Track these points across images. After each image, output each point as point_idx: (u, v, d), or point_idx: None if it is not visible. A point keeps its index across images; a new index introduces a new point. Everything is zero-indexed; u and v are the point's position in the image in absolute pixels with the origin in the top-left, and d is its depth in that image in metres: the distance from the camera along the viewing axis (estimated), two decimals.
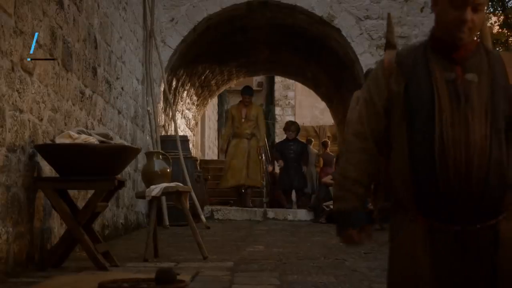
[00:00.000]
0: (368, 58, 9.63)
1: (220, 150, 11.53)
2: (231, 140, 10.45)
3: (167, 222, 7.54)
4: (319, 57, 11.98)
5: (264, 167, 12.88)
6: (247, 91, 10.59)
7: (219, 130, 22.54)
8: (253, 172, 10.12)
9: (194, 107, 13.99)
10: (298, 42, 11.61)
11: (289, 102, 21.74)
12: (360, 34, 9.64)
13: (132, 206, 7.59)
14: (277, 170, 12.69)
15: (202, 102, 14.60)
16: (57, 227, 4.70)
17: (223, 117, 22.29)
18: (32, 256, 4.14)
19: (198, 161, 10.82)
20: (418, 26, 9.52)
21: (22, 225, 3.98)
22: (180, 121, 11.98)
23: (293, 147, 11.43)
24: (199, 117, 15.47)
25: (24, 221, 4.01)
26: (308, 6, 9.60)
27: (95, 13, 5.90)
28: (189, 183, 7.57)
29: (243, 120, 10.26)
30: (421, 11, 9.00)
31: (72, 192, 4.64)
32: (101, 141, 4.22)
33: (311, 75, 13.69)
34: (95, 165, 4.11)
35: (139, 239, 6.45)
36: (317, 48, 11.41)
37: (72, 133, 4.18)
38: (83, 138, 4.13)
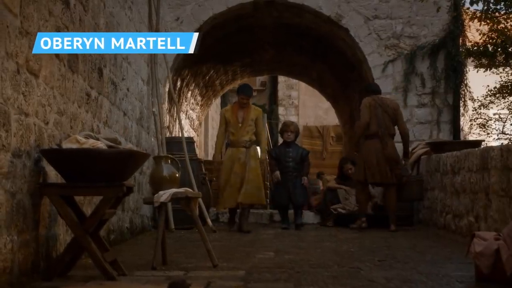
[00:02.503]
0: (376, 58, 9.51)
1: (213, 158, 9.55)
2: (227, 150, 8.63)
3: (172, 226, 7.39)
4: (325, 57, 11.84)
5: (267, 176, 12.51)
6: (245, 91, 8.47)
7: None
8: (254, 187, 8.20)
9: (198, 107, 13.85)
10: (304, 41, 11.48)
11: (292, 102, 21.59)
12: (369, 34, 9.50)
13: (137, 210, 7.45)
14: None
15: (206, 102, 14.46)
16: (63, 233, 4.55)
17: None
18: (37, 265, 3.99)
19: (203, 162, 10.64)
20: (427, 26, 9.37)
21: (27, 233, 3.83)
22: (184, 122, 11.83)
23: (292, 154, 9.03)
24: (203, 117, 15.33)
25: (29, 229, 3.86)
26: (315, 5, 9.47)
27: (101, 13, 5.75)
28: (195, 187, 7.42)
29: (239, 124, 8.33)
30: (438, 10, 8.82)
31: (77, 197, 4.49)
32: (109, 146, 4.08)
33: (317, 75, 13.55)
34: (103, 171, 3.95)
35: (145, 244, 6.32)
36: (324, 48, 11.28)
37: (79, 137, 4.03)
38: (90, 143, 3.98)
